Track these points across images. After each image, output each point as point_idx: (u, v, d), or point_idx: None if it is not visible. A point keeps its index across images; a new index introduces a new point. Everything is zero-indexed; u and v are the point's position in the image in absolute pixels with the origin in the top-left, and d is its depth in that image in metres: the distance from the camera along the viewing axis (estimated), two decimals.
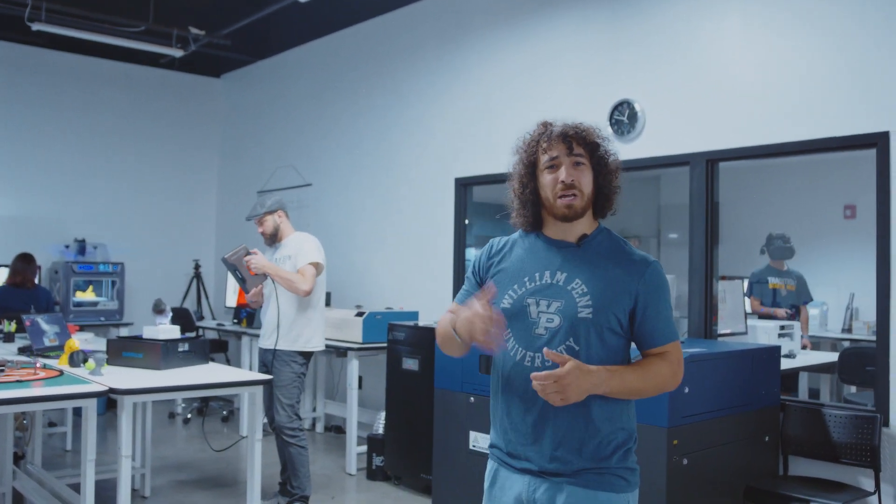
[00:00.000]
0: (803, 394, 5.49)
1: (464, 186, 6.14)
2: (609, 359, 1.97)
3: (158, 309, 4.44)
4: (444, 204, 6.25)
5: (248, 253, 4.56)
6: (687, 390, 3.52)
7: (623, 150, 4.93)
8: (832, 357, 5.81)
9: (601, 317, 1.96)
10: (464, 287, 2.23)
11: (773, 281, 6.12)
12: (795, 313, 6.15)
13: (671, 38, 4.81)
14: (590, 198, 2.04)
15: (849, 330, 6.61)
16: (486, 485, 2.13)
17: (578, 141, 2.04)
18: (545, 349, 1.91)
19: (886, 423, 3.86)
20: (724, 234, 4.72)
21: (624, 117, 4.97)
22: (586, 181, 2.03)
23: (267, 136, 8.52)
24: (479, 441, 4.27)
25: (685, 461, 3.50)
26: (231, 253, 4.59)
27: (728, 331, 5.10)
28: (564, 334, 1.96)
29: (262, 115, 8.64)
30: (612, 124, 5.02)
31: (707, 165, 4.61)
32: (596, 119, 5.04)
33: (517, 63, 5.74)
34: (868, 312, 6.43)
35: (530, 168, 2.08)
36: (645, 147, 4.88)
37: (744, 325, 5.35)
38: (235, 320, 7.50)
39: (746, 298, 6.06)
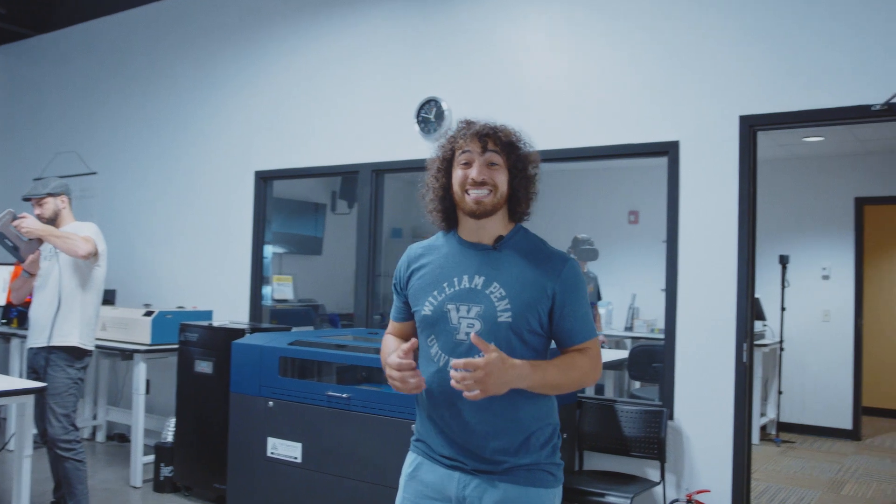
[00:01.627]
0: (590, 390, 5.74)
1: (264, 180, 5.87)
2: (531, 359, 1.94)
3: None
4: (242, 198, 5.95)
5: (16, 217, 4.11)
6: None
7: (430, 148, 4.92)
8: (622, 354, 6.12)
9: (520, 320, 1.93)
10: (394, 303, 2.22)
11: None
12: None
13: (477, 39, 4.85)
14: (503, 197, 2.02)
15: (631, 328, 7.02)
16: (406, 471, 2.10)
17: (495, 141, 2.01)
18: (472, 335, 1.85)
19: (671, 417, 4.08)
20: None
21: (431, 116, 4.94)
22: (500, 181, 2.00)
23: (46, 118, 7.74)
24: (277, 448, 4.07)
25: None
26: None
27: None
28: (485, 338, 1.89)
29: (42, 94, 7.84)
30: (419, 122, 4.98)
31: None
32: (403, 116, 5.04)
33: (323, 56, 5.57)
34: (648, 311, 6.87)
35: (446, 164, 2.07)
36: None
37: None
38: (3, 320, 6.76)
39: None
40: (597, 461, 4.29)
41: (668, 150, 4.14)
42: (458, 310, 1.98)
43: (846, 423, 7.69)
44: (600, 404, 4.33)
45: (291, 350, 4.14)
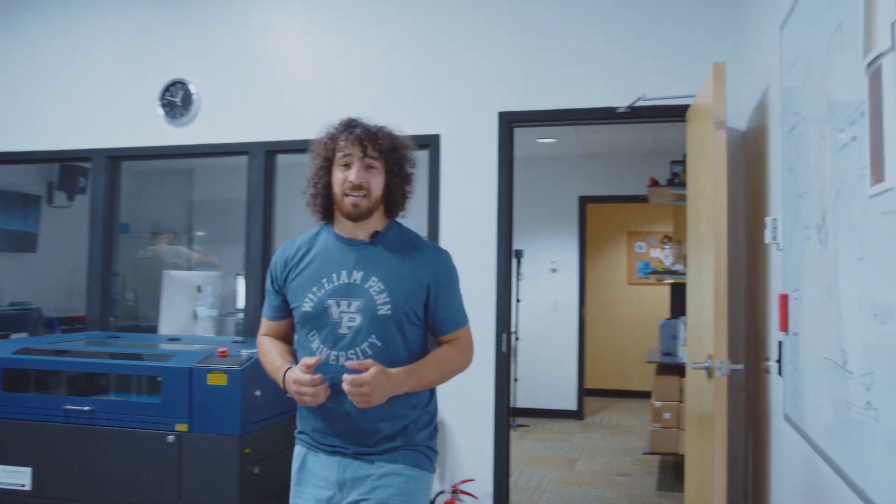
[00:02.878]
0: None
1: None
2: (411, 350, 2.08)
3: None
4: None
5: None
6: (259, 393, 3.30)
7: (176, 135, 4.56)
8: None
9: (400, 312, 2.04)
10: (267, 300, 2.24)
11: None
12: None
13: (230, 20, 4.55)
14: (379, 199, 2.10)
15: None
16: (294, 466, 2.15)
17: (374, 145, 2.08)
18: (348, 362, 1.97)
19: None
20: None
21: (177, 99, 4.55)
22: (376, 183, 2.09)
23: None
24: (2, 477, 3.51)
25: (256, 469, 3.28)
26: None
27: None
28: (366, 332, 2.03)
29: None
30: (163, 105, 4.57)
31: (266, 156, 4.45)
32: (146, 99, 4.60)
33: (49, 29, 4.91)
34: None
35: (326, 162, 2.11)
36: (201, 133, 4.54)
37: None
38: None
39: None
40: None
41: (430, 144, 4.16)
42: (338, 304, 2.05)
43: (572, 404, 8.31)
44: None
45: (20, 360, 3.59)
